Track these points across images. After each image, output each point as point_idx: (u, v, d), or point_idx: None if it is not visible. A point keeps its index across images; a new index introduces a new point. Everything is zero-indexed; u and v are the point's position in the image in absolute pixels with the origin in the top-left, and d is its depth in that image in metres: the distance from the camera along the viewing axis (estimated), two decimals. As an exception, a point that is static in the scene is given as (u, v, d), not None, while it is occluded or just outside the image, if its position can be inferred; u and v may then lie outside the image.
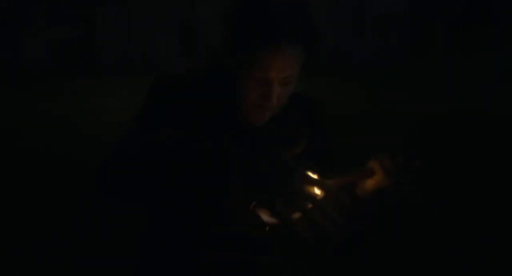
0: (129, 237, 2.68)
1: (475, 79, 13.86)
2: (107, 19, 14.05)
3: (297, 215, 1.08)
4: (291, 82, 1.27)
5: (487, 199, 4.80)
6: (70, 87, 14.23)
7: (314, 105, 1.47)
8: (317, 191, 1.10)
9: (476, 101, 11.24)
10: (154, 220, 1.39)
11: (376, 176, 1.28)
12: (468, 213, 4.48)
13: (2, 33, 13.04)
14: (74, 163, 6.81)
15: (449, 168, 5.85)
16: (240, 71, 1.26)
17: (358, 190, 1.35)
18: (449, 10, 15.33)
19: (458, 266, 3.53)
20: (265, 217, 1.11)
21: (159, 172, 1.16)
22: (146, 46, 14.85)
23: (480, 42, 14.84)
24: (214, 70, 1.36)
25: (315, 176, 1.12)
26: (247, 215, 1.22)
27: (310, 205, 1.08)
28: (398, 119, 9.79)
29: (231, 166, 1.16)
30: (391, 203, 1.38)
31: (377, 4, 14.47)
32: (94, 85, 14.18)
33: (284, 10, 1.22)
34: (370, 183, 1.31)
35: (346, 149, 1.43)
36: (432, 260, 3.63)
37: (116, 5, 14.05)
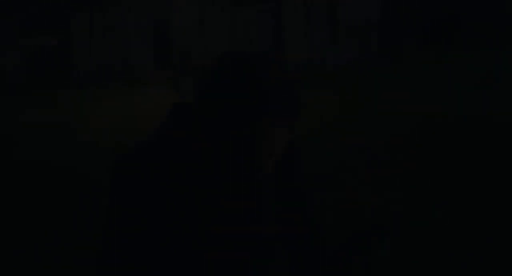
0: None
1: (452, 84, 13.97)
2: (84, 27, 14.03)
3: None
4: None
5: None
6: (51, 96, 14.24)
7: None
8: None
9: (456, 104, 11.32)
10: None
11: None
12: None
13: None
14: (62, 169, 6.84)
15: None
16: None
17: None
18: (423, 17, 15.56)
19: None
20: None
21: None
22: (122, 54, 14.85)
23: (454, 48, 15.04)
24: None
25: None
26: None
27: None
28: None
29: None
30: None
31: (351, 12, 14.70)
32: (75, 94, 14.18)
33: (274, 92, 1.23)
34: None
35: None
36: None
37: (91, 12, 14.04)
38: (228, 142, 1.26)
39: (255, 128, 1.23)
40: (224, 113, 1.24)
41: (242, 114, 1.22)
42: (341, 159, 6.12)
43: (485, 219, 4.29)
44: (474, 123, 9.32)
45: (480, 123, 9.26)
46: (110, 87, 13.16)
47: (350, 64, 14.43)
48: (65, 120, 11.36)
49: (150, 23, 14.12)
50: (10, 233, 4.46)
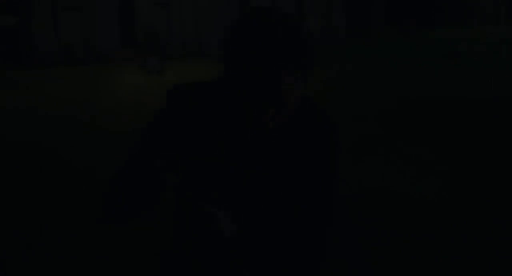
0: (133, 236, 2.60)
1: (417, 59, 14.02)
2: (46, 5, 13.68)
3: None
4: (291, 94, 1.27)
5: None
6: (13, 78, 13.93)
7: (330, 127, 1.41)
8: None
9: (421, 82, 11.40)
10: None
11: None
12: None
13: None
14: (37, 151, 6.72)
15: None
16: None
17: None
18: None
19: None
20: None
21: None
22: (86, 33, 14.54)
23: (418, 24, 15.07)
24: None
25: None
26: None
27: None
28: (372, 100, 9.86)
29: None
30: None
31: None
32: (38, 75, 13.85)
33: (283, 40, 1.22)
34: None
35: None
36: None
37: None
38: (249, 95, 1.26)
39: (273, 80, 1.23)
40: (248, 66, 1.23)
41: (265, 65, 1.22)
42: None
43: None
44: (446, 101, 9.43)
45: (453, 101, 9.37)
46: (75, 67, 12.91)
47: (318, 39, 14.29)
48: (32, 102, 11.14)
49: (114, 1, 13.85)
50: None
